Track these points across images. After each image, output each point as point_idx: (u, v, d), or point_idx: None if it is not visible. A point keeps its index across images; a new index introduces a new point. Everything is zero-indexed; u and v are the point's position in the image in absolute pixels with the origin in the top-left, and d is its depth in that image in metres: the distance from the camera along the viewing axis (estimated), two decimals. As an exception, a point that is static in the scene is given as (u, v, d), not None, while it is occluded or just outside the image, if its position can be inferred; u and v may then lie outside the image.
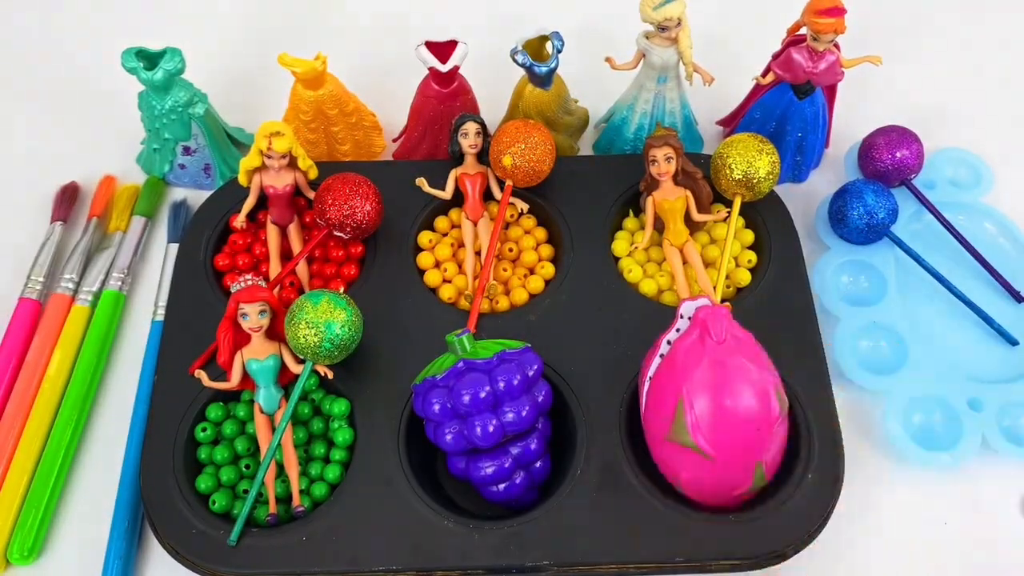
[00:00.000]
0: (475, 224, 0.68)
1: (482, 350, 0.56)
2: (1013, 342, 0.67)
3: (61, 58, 0.86)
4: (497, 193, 0.69)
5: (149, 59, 0.68)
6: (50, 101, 0.83)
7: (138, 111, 0.72)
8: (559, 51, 0.68)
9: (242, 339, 0.60)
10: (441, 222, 0.70)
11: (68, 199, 0.74)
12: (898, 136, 0.71)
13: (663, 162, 0.66)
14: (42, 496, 0.61)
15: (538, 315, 0.65)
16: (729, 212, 0.67)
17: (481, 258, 0.67)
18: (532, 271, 0.68)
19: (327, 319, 0.57)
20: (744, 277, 0.67)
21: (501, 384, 0.54)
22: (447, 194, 0.69)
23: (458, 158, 0.70)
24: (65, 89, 0.83)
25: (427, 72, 0.70)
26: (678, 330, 0.57)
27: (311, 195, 0.68)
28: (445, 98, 0.70)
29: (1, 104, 0.83)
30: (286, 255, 0.68)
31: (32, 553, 0.59)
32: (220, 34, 0.87)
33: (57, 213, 0.73)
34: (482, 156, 0.69)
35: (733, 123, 0.78)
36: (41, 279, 0.69)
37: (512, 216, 0.70)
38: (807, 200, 0.75)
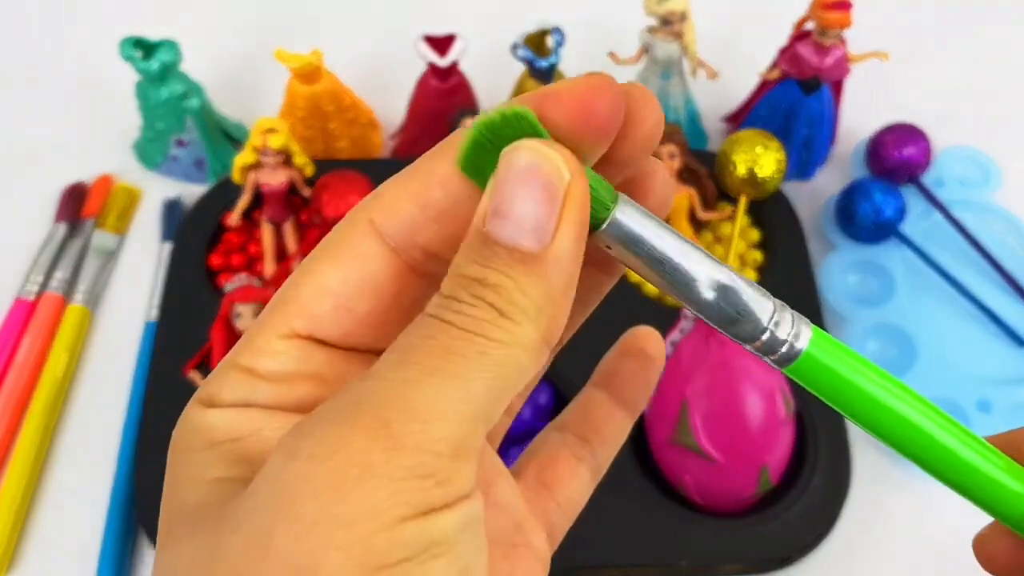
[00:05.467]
0: (475, 222, 0.68)
1: (481, 351, 0.55)
2: (1023, 343, 0.67)
3: (64, 51, 0.84)
4: (497, 190, 0.68)
5: (147, 49, 0.68)
6: (50, 95, 0.81)
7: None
8: (560, 45, 0.67)
9: (236, 340, 0.59)
10: (440, 220, 0.69)
11: (75, 200, 0.73)
12: (906, 133, 0.70)
13: (667, 159, 0.65)
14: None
15: (539, 315, 0.64)
16: (734, 210, 0.66)
17: (481, 257, 0.66)
18: (533, 270, 0.67)
19: (323, 319, 0.56)
20: (750, 276, 0.66)
21: (501, 385, 0.53)
22: (446, 192, 0.68)
23: (458, 155, 0.69)
24: (66, 82, 0.82)
25: (426, 67, 0.69)
26: (682, 331, 0.57)
27: (307, 193, 0.67)
28: (444, 94, 0.69)
29: (2, 100, 0.82)
30: (281, 254, 0.67)
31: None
32: (221, 28, 0.86)
33: (62, 213, 0.72)
34: (482, 153, 0.68)
35: (739, 119, 0.77)
36: (40, 279, 0.68)
37: (512, 214, 0.69)
38: (814, 198, 0.74)
